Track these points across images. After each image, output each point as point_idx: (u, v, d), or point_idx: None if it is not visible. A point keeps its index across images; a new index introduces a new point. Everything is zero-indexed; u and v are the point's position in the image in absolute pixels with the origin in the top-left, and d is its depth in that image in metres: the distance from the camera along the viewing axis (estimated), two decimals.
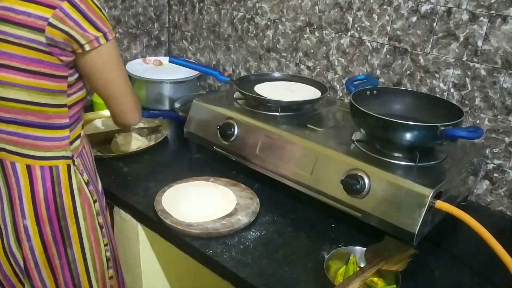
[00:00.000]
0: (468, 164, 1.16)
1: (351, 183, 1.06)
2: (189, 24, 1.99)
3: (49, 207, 1.02)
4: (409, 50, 1.37)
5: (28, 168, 1.01)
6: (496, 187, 1.31)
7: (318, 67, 1.61)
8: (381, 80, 1.46)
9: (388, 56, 1.43)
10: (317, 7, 1.54)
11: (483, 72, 1.25)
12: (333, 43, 1.54)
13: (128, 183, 1.31)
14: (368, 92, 1.24)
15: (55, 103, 0.98)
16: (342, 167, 1.10)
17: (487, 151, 1.29)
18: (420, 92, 1.35)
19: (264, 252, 1.06)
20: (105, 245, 1.13)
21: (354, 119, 1.17)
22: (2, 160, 1.01)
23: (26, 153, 1.00)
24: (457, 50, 1.28)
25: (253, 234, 1.12)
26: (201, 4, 1.91)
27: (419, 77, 1.38)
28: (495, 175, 1.30)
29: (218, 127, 1.32)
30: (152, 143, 1.52)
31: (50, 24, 0.90)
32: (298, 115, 1.35)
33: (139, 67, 1.90)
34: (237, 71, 1.88)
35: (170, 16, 2.06)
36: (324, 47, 1.57)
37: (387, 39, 1.41)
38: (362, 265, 1.00)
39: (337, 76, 1.57)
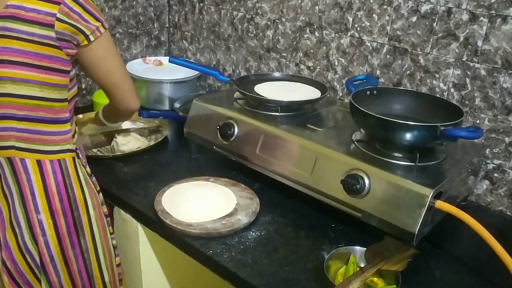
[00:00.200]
0: (468, 164, 1.16)
1: (351, 183, 1.06)
2: (189, 24, 1.99)
3: (62, 199, 1.05)
4: (409, 50, 1.37)
5: (39, 163, 1.03)
6: (496, 187, 1.31)
7: (318, 67, 1.61)
8: (381, 80, 1.46)
9: (388, 56, 1.43)
10: (317, 7, 1.54)
11: (483, 72, 1.25)
12: (333, 43, 1.54)
13: (128, 183, 1.31)
14: (368, 92, 1.24)
15: (60, 97, 1.02)
16: (342, 167, 1.10)
17: (487, 151, 1.29)
18: (420, 92, 1.35)
19: (264, 252, 1.06)
20: (111, 233, 1.17)
21: (354, 119, 1.17)
22: (11, 158, 1.02)
23: (36, 149, 1.02)
24: (457, 50, 1.28)
25: (253, 234, 1.12)
26: (201, 4, 1.91)
27: (419, 77, 1.38)
28: (495, 175, 1.30)
29: (218, 127, 1.32)
30: (152, 143, 1.52)
31: (58, 19, 0.94)
32: (298, 115, 1.35)
33: (139, 67, 1.90)
34: (237, 71, 1.88)
35: (170, 16, 2.06)
36: (324, 47, 1.57)
37: (387, 39, 1.41)
38: (362, 265, 1.00)
39: (337, 76, 1.57)
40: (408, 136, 1.06)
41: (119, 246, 1.34)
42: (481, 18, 1.22)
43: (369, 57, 1.47)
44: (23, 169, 1.02)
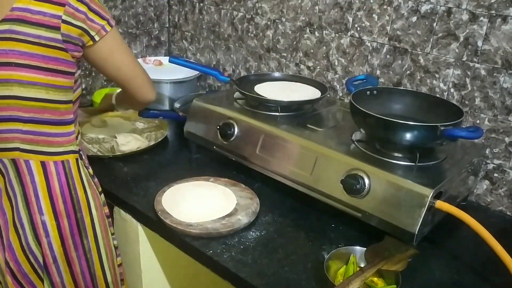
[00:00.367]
0: (468, 164, 1.16)
1: (351, 183, 1.06)
2: (189, 24, 1.99)
3: (66, 201, 1.06)
4: (409, 50, 1.37)
5: (43, 164, 1.03)
6: (496, 187, 1.31)
7: (318, 67, 1.61)
8: (381, 80, 1.46)
9: (388, 56, 1.43)
10: (317, 7, 1.54)
11: (483, 72, 1.25)
12: (333, 43, 1.54)
13: (128, 183, 1.31)
14: (368, 92, 1.24)
15: (66, 99, 1.03)
16: (342, 167, 1.10)
17: (487, 151, 1.29)
18: (420, 92, 1.35)
19: (264, 252, 1.06)
20: (112, 234, 1.17)
21: (354, 119, 1.17)
22: (15, 160, 1.02)
23: (40, 150, 1.03)
24: (457, 50, 1.28)
25: (253, 234, 1.12)
26: (201, 4, 1.91)
27: (419, 77, 1.38)
28: (495, 175, 1.30)
29: (218, 127, 1.32)
30: (152, 143, 1.52)
31: (64, 21, 0.95)
32: (298, 115, 1.35)
33: None
34: (237, 71, 1.88)
35: (170, 16, 2.06)
36: (324, 47, 1.57)
37: (387, 39, 1.41)
38: (362, 265, 1.00)
39: (337, 76, 1.57)
40: (408, 136, 1.06)
41: (119, 246, 1.34)
42: (481, 18, 1.22)
43: (369, 57, 1.47)
44: (27, 171, 1.02)
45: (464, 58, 1.28)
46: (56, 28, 0.94)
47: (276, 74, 1.58)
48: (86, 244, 1.10)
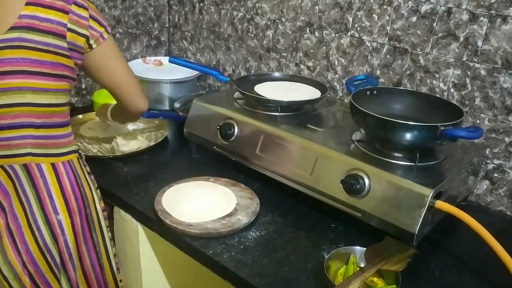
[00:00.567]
0: (468, 164, 1.16)
1: (351, 183, 1.06)
2: (189, 24, 1.99)
3: (77, 198, 1.09)
4: (409, 50, 1.37)
5: (53, 166, 1.06)
6: (496, 187, 1.31)
7: (318, 67, 1.61)
8: (381, 80, 1.46)
9: (388, 56, 1.43)
10: (317, 7, 1.54)
11: (483, 72, 1.25)
12: (333, 43, 1.54)
13: (128, 183, 1.31)
14: (368, 92, 1.24)
15: (67, 101, 1.06)
16: (342, 167, 1.10)
17: (487, 151, 1.29)
18: (420, 92, 1.35)
19: (264, 252, 1.06)
20: (107, 226, 1.19)
21: (354, 119, 1.17)
22: (26, 165, 1.03)
23: (50, 153, 1.05)
24: (457, 50, 1.28)
25: (253, 234, 1.12)
26: (201, 4, 1.91)
27: (419, 77, 1.38)
28: (495, 175, 1.30)
29: (218, 127, 1.32)
30: (152, 143, 1.52)
31: (70, 30, 0.97)
32: (298, 115, 1.35)
33: (139, 67, 1.90)
34: (237, 71, 1.88)
35: (170, 16, 2.06)
36: (324, 47, 1.57)
37: (387, 39, 1.41)
38: (362, 265, 1.00)
39: (337, 76, 1.57)
40: (408, 136, 1.06)
41: (119, 246, 1.34)
42: (481, 18, 1.22)
43: (369, 57, 1.47)
44: (40, 174, 1.04)
45: (464, 58, 1.28)
46: (63, 36, 0.96)
47: (276, 74, 1.58)
48: (95, 237, 1.14)
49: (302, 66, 1.66)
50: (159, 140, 1.53)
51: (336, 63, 1.56)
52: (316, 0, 1.54)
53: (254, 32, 1.76)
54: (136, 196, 1.25)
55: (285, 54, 1.69)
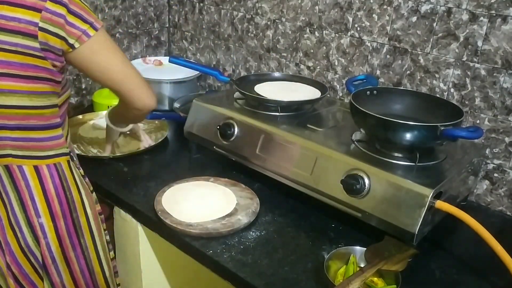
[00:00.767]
0: (468, 164, 1.16)
1: (351, 183, 1.06)
2: (189, 24, 1.99)
3: (61, 202, 1.06)
4: (409, 50, 1.37)
5: (36, 168, 1.03)
6: (496, 187, 1.31)
7: (318, 67, 1.61)
8: (381, 80, 1.46)
9: (388, 56, 1.43)
10: (317, 7, 1.54)
11: (483, 72, 1.25)
12: (333, 43, 1.54)
13: (128, 183, 1.31)
14: (368, 92, 1.24)
15: (50, 104, 0.99)
16: (342, 167, 1.10)
17: (487, 151, 1.29)
18: (420, 92, 1.35)
19: (264, 252, 1.06)
20: (104, 229, 1.17)
21: (354, 119, 1.17)
22: (8, 166, 1.01)
23: (32, 155, 1.02)
24: (457, 50, 1.28)
25: (253, 234, 1.12)
26: (201, 4, 1.91)
27: (419, 77, 1.38)
28: (495, 175, 1.30)
29: (218, 127, 1.32)
30: (152, 143, 1.52)
31: (41, 29, 0.90)
32: (298, 115, 1.35)
33: (139, 67, 1.87)
34: (237, 71, 1.88)
35: (170, 16, 2.06)
36: (324, 47, 1.57)
37: (387, 39, 1.41)
38: (362, 265, 1.00)
39: (337, 76, 1.57)
40: (408, 136, 1.06)
41: (119, 246, 1.34)
42: (481, 18, 1.22)
43: (369, 57, 1.47)
44: (21, 176, 1.02)
45: (464, 58, 1.28)
46: (33, 36, 0.89)
47: (276, 74, 1.58)
48: (83, 242, 1.11)
49: (302, 66, 1.66)
50: (159, 140, 1.53)
51: (336, 63, 1.56)
52: (316, 0, 1.54)
53: (254, 32, 1.76)
54: (136, 196, 1.25)
55: (285, 54, 1.69)
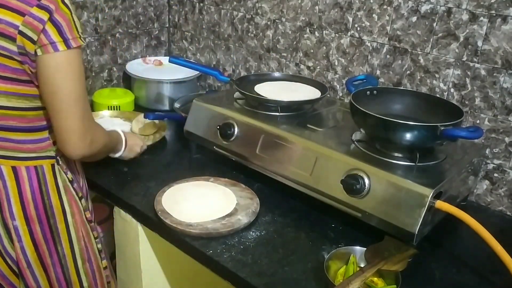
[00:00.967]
0: (468, 164, 1.16)
1: (351, 183, 1.06)
2: (189, 24, 1.99)
3: (38, 206, 1.03)
4: (409, 50, 1.37)
5: (14, 169, 1.01)
6: (496, 187, 1.31)
7: (318, 67, 1.61)
8: (381, 80, 1.46)
9: (388, 56, 1.43)
10: (317, 7, 1.54)
11: (483, 72, 1.25)
12: (333, 43, 1.54)
13: (128, 183, 1.31)
14: (368, 92, 1.24)
15: (33, 106, 0.98)
16: (342, 167, 1.10)
17: (487, 151, 1.29)
18: (420, 92, 1.35)
19: (264, 252, 1.06)
20: (95, 238, 1.15)
21: (354, 119, 1.17)
22: None
23: (11, 155, 1.00)
24: (457, 50, 1.28)
25: (253, 234, 1.12)
26: (201, 4, 1.91)
27: (419, 77, 1.38)
28: (495, 175, 1.30)
29: (218, 127, 1.32)
30: (151, 143, 1.52)
31: (21, 33, 0.88)
32: (298, 115, 1.35)
33: (139, 67, 1.90)
34: (237, 71, 1.88)
35: (170, 16, 2.06)
36: (324, 47, 1.57)
37: (387, 39, 1.41)
38: (362, 265, 1.00)
39: (337, 76, 1.57)
40: (408, 136, 1.06)
41: (119, 246, 1.34)
42: (481, 18, 1.22)
43: (369, 57, 1.47)
44: None
45: (464, 58, 1.28)
46: (12, 39, 0.87)
47: (276, 74, 1.58)
48: (60, 250, 1.08)
49: (302, 66, 1.66)
50: (157, 140, 1.53)
51: (336, 63, 1.56)
52: (316, 0, 1.54)
53: (254, 32, 1.76)
54: (136, 196, 1.25)
55: (285, 54, 1.69)
